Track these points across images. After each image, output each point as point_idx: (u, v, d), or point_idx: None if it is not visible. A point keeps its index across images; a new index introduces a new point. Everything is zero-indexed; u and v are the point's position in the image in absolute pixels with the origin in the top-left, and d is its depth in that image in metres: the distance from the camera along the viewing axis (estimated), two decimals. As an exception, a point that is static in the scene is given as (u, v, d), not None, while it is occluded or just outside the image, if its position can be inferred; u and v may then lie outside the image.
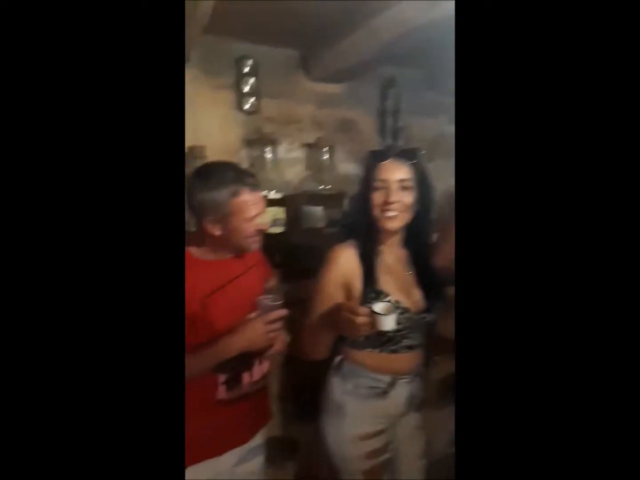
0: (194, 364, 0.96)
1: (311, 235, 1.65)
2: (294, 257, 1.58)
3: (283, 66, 1.97)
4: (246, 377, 1.09)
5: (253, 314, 1.02)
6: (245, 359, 1.06)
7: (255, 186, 1.03)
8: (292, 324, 1.48)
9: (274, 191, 1.72)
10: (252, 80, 1.88)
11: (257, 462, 1.21)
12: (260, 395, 1.16)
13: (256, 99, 1.90)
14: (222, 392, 1.06)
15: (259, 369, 1.12)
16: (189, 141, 1.74)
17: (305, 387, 1.50)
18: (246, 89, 1.88)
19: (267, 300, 0.99)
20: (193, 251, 1.06)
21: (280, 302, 1.00)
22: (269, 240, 1.32)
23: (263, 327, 0.99)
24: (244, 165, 1.89)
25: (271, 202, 1.69)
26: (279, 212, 1.69)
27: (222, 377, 1.06)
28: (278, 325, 1.00)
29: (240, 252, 1.10)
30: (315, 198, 1.82)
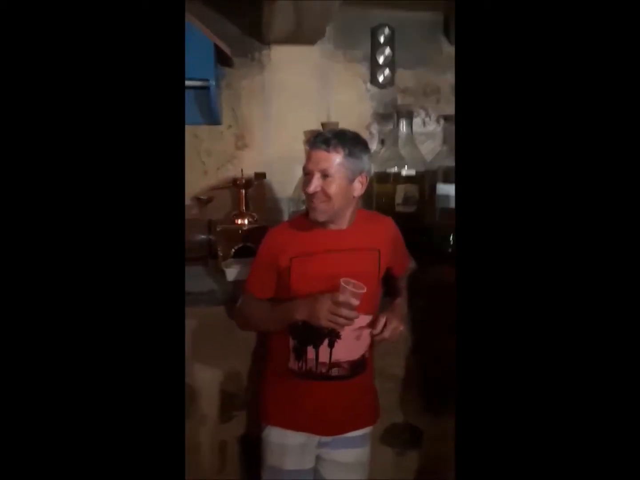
0: (268, 315, 1.10)
1: (446, 216, 1.52)
2: (426, 239, 1.48)
3: (423, 32, 1.82)
4: (310, 352, 1.09)
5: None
6: (311, 332, 1.07)
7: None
8: (423, 312, 1.40)
9: (405, 167, 1.62)
10: (387, 50, 1.78)
11: (355, 453, 1.20)
12: (351, 392, 1.14)
13: (391, 70, 1.81)
14: (292, 361, 1.12)
15: (325, 351, 1.09)
16: (322, 118, 1.74)
17: (436, 377, 1.42)
18: (381, 60, 1.79)
19: (349, 285, 0.96)
20: (306, 216, 1.11)
21: (361, 291, 0.96)
22: (399, 221, 1.25)
23: (329, 306, 0.97)
24: (375, 140, 1.82)
25: (404, 179, 1.59)
26: (411, 190, 1.59)
27: (292, 343, 1.12)
28: (346, 312, 0.97)
29: (335, 222, 1.09)
30: (453, 175, 1.66)
